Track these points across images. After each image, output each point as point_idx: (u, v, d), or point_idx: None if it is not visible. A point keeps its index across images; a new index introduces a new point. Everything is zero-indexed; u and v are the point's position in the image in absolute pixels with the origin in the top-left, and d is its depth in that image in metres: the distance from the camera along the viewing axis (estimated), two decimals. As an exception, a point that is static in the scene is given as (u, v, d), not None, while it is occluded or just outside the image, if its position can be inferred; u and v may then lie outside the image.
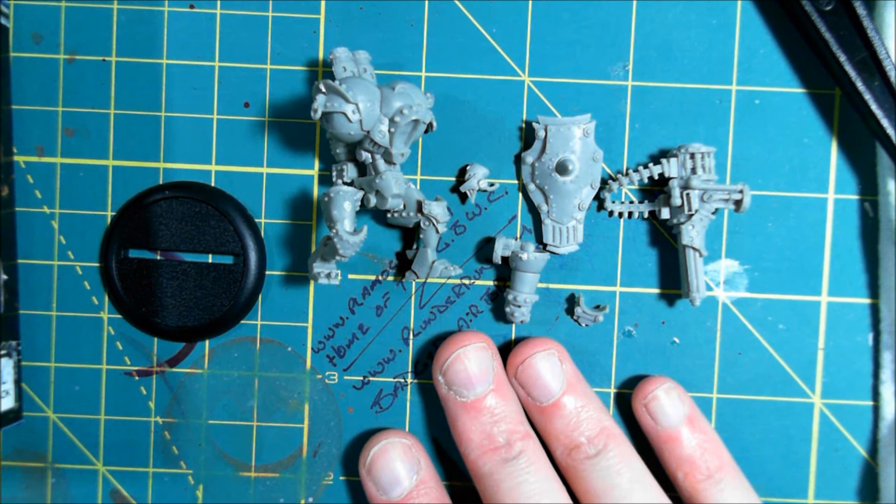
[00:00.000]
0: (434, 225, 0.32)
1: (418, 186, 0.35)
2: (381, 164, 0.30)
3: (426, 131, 0.33)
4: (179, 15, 0.35)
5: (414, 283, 0.35)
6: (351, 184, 0.32)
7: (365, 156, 0.31)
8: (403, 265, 0.35)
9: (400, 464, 0.32)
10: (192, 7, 0.35)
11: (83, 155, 0.35)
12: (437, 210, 0.32)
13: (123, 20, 0.35)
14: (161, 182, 0.35)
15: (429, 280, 0.32)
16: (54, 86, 0.35)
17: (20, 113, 0.35)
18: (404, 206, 0.32)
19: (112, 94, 0.35)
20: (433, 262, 0.33)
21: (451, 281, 0.35)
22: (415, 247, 0.33)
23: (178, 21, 0.35)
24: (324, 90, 0.29)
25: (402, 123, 0.29)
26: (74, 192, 0.35)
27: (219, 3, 0.35)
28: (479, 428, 0.31)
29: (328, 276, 0.30)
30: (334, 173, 0.33)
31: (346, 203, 0.29)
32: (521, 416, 0.32)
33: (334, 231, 0.29)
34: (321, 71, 0.35)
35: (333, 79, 0.31)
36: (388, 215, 0.33)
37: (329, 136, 0.32)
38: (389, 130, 0.30)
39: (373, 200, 0.31)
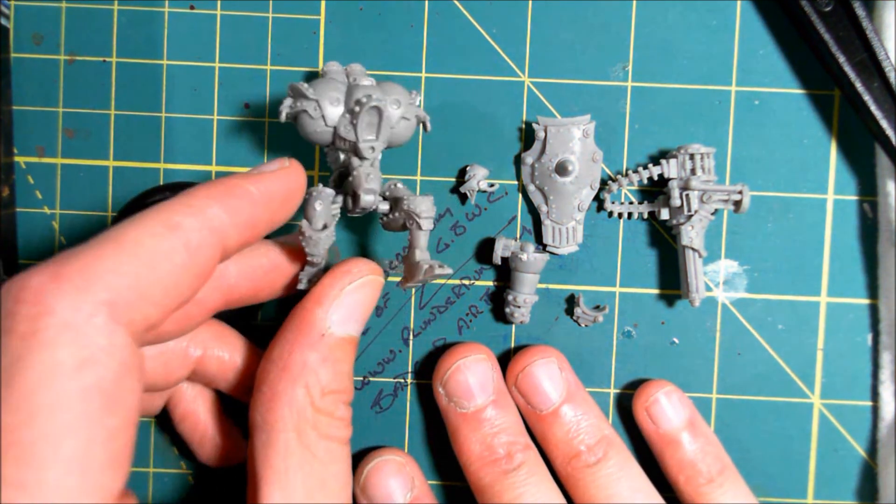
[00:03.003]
0: (416, 221, 0.29)
1: (418, 187, 0.35)
2: (354, 161, 0.29)
3: (422, 132, 0.32)
4: (179, 16, 0.35)
5: (413, 288, 0.34)
6: (337, 189, 0.32)
7: (342, 157, 0.30)
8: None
9: (393, 481, 0.32)
10: (192, 8, 0.35)
11: (83, 155, 0.35)
12: (420, 204, 0.29)
13: (124, 21, 0.35)
14: (161, 183, 0.35)
15: (422, 283, 0.30)
16: (55, 86, 0.35)
17: (21, 113, 0.35)
18: (391, 207, 0.30)
19: (112, 94, 0.35)
20: (418, 264, 0.29)
21: (451, 281, 0.35)
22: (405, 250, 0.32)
23: (179, 22, 0.35)
24: (290, 93, 0.29)
25: (363, 112, 0.28)
26: (75, 193, 0.35)
27: (219, 3, 0.35)
28: (480, 439, 0.31)
29: (309, 281, 0.30)
30: (331, 181, 0.32)
31: (316, 203, 0.28)
32: (521, 427, 0.32)
33: (299, 229, 0.28)
34: (321, 72, 0.35)
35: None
36: (381, 221, 0.31)
37: (325, 148, 0.31)
38: (352, 122, 0.29)
39: (350, 202, 0.29)
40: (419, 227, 0.29)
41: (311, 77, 0.35)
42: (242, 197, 0.25)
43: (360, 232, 0.35)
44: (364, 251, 0.35)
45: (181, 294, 0.23)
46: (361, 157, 0.29)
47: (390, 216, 0.30)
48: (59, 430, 0.20)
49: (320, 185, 0.30)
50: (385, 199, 0.30)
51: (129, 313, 0.21)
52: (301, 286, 0.30)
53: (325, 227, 0.28)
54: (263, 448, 0.26)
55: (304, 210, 0.29)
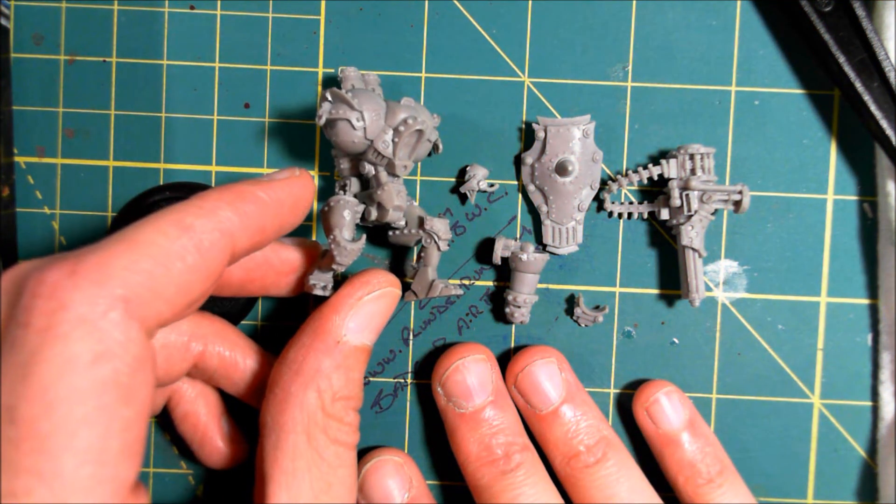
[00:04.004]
0: (435, 242, 0.31)
1: (418, 187, 0.35)
2: (383, 175, 0.30)
3: (432, 153, 0.33)
4: (180, 16, 0.35)
5: (413, 302, 0.35)
6: (355, 197, 0.32)
7: (368, 168, 0.30)
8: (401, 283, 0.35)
9: (391, 482, 0.32)
10: (192, 8, 0.35)
11: (84, 156, 0.35)
12: (440, 226, 0.31)
13: (124, 21, 0.35)
14: (161, 183, 0.35)
15: (429, 298, 0.31)
16: (55, 87, 0.35)
17: (21, 114, 0.35)
18: (406, 222, 0.32)
19: (112, 94, 0.35)
20: (433, 282, 0.32)
21: (451, 281, 0.35)
22: (414, 266, 0.33)
23: (179, 22, 0.35)
24: (330, 98, 0.29)
25: (406, 134, 0.29)
26: (75, 193, 0.35)
27: (219, 3, 0.35)
28: (478, 439, 0.31)
29: (324, 287, 0.30)
30: (337, 187, 0.33)
31: (345, 212, 0.29)
32: (519, 427, 0.32)
33: (332, 238, 0.29)
34: (321, 72, 0.35)
35: (339, 87, 0.31)
36: (389, 233, 0.32)
37: (333, 153, 0.32)
38: (393, 140, 0.30)
39: (374, 213, 0.30)
40: (437, 248, 0.31)
41: (313, 75, 0.35)
42: (253, 202, 0.26)
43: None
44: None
45: (192, 293, 0.24)
46: (394, 175, 0.30)
47: (404, 231, 0.32)
48: (75, 421, 0.20)
49: (341, 194, 0.31)
50: (402, 213, 0.31)
51: (142, 310, 0.22)
52: (317, 291, 0.30)
53: (354, 239, 0.29)
54: (273, 449, 0.27)
55: (328, 218, 0.29)
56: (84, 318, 0.21)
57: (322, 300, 0.30)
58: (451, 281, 0.35)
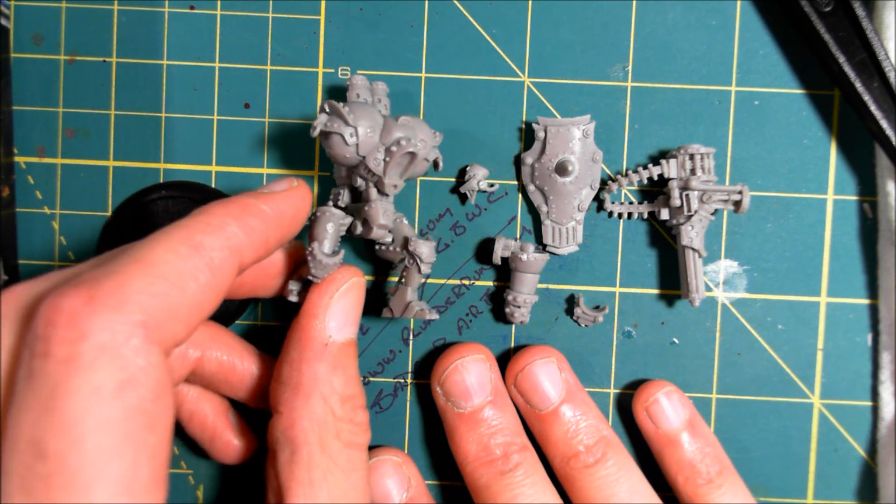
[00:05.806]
0: (417, 264, 0.31)
1: (418, 187, 0.35)
2: (373, 192, 0.30)
3: (434, 168, 0.33)
4: (180, 16, 0.35)
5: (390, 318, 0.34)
6: (344, 208, 0.32)
7: (360, 182, 0.30)
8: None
9: (390, 481, 0.32)
10: (192, 8, 0.35)
11: (83, 156, 0.35)
12: (424, 249, 0.31)
13: (124, 21, 0.35)
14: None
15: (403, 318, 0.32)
16: (55, 87, 0.35)
17: (21, 114, 0.35)
18: (392, 239, 0.31)
19: (112, 94, 0.35)
20: (409, 303, 0.31)
21: (450, 281, 0.35)
22: (396, 283, 0.32)
23: (179, 22, 0.35)
24: (327, 109, 0.29)
25: (398, 154, 0.29)
26: (75, 193, 0.35)
27: (219, 3, 0.35)
28: (477, 439, 0.31)
29: (298, 294, 0.30)
30: (331, 196, 0.32)
31: (328, 224, 0.29)
32: (518, 427, 0.32)
33: (310, 250, 0.29)
34: (321, 72, 0.35)
35: (339, 98, 0.31)
36: (376, 248, 0.32)
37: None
38: (385, 160, 0.29)
39: (359, 227, 0.30)
40: (418, 270, 0.31)
41: (313, 75, 0.35)
42: (257, 216, 0.26)
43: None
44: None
45: (204, 311, 0.24)
46: (383, 193, 0.30)
47: (390, 248, 0.32)
48: (105, 452, 0.20)
49: (329, 205, 0.30)
50: (389, 231, 0.31)
51: (160, 332, 0.22)
52: (291, 297, 0.30)
53: (334, 252, 0.29)
54: (288, 462, 0.27)
55: (312, 229, 0.29)
56: (105, 346, 0.20)
57: (298, 307, 0.30)
58: (449, 281, 0.35)
